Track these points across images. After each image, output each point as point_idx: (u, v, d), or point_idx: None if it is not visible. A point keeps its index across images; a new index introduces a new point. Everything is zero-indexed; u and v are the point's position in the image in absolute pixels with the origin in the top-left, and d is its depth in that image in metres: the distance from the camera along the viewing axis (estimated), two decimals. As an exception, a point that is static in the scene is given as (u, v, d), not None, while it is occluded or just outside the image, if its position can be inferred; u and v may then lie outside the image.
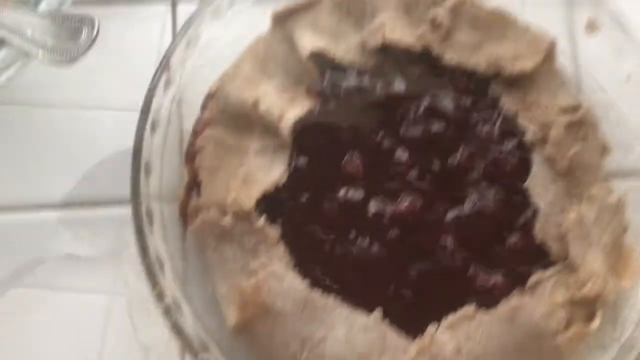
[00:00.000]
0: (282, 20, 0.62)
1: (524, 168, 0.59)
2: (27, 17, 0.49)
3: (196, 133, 0.60)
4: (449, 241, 0.57)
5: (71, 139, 0.65)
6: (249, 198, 0.55)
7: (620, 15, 0.62)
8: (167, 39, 0.66)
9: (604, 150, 0.62)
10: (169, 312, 0.52)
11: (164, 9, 0.69)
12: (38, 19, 0.49)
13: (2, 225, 0.62)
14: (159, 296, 0.52)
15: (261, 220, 0.55)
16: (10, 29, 0.48)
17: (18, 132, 0.65)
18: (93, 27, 0.47)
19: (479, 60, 0.62)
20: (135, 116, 0.56)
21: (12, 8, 0.50)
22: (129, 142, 0.55)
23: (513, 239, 0.58)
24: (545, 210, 0.58)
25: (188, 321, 0.53)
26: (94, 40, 0.47)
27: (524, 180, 0.59)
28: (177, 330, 0.52)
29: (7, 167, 0.64)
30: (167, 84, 0.58)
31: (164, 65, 0.57)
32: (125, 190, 0.55)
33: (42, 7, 0.52)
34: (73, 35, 0.49)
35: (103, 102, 0.66)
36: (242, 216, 0.55)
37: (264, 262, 0.55)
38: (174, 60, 0.58)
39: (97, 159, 0.63)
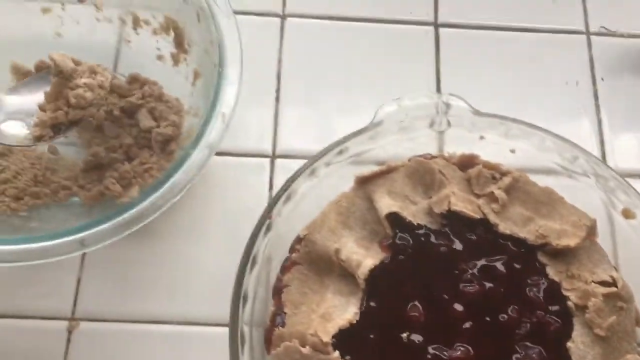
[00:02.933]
0: (364, 183, 0.75)
1: (567, 331, 0.68)
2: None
3: (284, 269, 0.71)
4: (497, 391, 0.64)
5: (184, 269, 0.77)
6: (326, 332, 0.65)
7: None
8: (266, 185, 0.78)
9: (639, 322, 0.70)
10: None
11: (266, 161, 0.83)
12: None
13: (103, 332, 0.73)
14: (244, 411, 0.61)
15: (336, 354, 0.64)
16: None
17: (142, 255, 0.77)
18: None
19: (529, 232, 0.72)
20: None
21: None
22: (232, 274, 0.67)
23: (556, 396, 0.65)
24: (584, 371, 0.66)
25: None
26: None
27: (566, 342, 0.67)
28: None
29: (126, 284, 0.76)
30: (267, 229, 0.70)
31: (266, 214, 0.69)
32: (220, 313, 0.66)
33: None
34: None
35: (212, 240, 0.78)
36: (319, 347, 0.65)
37: (336, 391, 0.63)
38: (275, 210, 0.70)
39: (205, 286, 0.75)
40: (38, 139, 0.71)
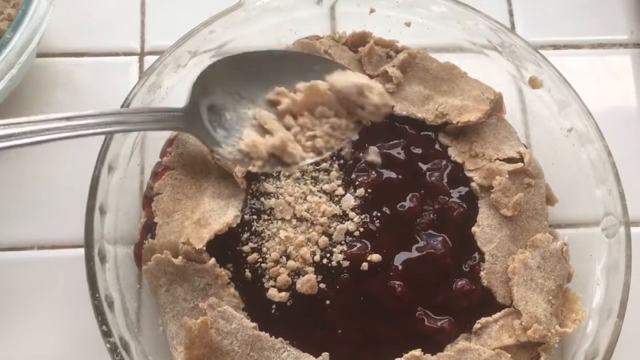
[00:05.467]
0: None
1: (471, 214, 0.61)
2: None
3: (155, 176, 0.62)
4: (397, 285, 0.58)
5: (35, 184, 0.67)
6: (200, 239, 0.57)
7: (563, 72, 0.66)
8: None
9: (549, 199, 0.64)
10: (115, 350, 0.52)
11: (133, 59, 0.72)
12: None
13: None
14: (106, 334, 0.53)
15: (211, 261, 0.57)
16: None
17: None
18: None
19: (427, 111, 0.64)
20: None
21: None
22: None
23: (460, 283, 0.59)
24: (491, 255, 0.60)
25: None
26: None
27: (471, 226, 0.61)
28: (123, 368, 0.52)
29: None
30: (127, 129, 0.60)
31: (123, 111, 0.59)
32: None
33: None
34: None
35: (73, 152, 0.67)
36: (193, 257, 0.57)
37: (214, 302, 0.56)
38: (135, 105, 0.60)
39: (66, 206, 0.65)
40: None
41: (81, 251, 0.56)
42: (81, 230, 0.57)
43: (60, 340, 0.61)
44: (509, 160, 0.63)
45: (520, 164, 0.62)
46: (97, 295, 0.54)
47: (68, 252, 0.64)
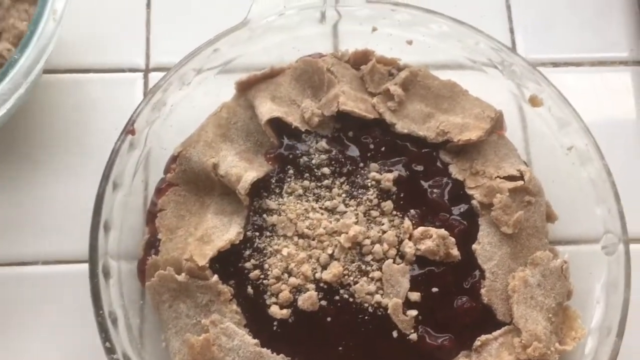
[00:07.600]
0: (246, 88, 0.66)
1: (472, 232, 0.62)
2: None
3: (159, 193, 0.63)
4: (398, 302, 0.58)
5: (41, 199, 0.68)
6: (203, 256, 0.57)
7: (563, 90, 0.66)
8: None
9: (549, 216, 0.65)
10: (119, 367, 0.53)
11: (138, 76, 0.73)
12: None
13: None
14: (109, 351, 0.53)
15: (214, 278, 0.57)
16: None
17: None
18: None
19: (429, 129, 0.65)
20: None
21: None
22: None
23: (461, 300, 0.59)
24: (491, 273, 0.60)
25: (138, 376, 0.54)
26: None
27: (472, 244, 0.61)
28: (126, 385, 0.53)
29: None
30: (132, 145, 0.61)
31: (128, 127, 0.60)
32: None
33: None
34: None
35: (78, 169, 0.68)
36: (196, 273, 0.57)
37: (216, 319, 0.56)
38: (140, 123, 0.61)
39: (66, 217, 0.66)
40: None
41: (85, 266, 0.57)
42: (86, 245, 0.57)
43: (63, 355, 0.61)
44: (510, 178, 0.63)
45: (520, 182, 0.62)
46: (101, 312, 0.55)
47: (72, 268, 0.64)
